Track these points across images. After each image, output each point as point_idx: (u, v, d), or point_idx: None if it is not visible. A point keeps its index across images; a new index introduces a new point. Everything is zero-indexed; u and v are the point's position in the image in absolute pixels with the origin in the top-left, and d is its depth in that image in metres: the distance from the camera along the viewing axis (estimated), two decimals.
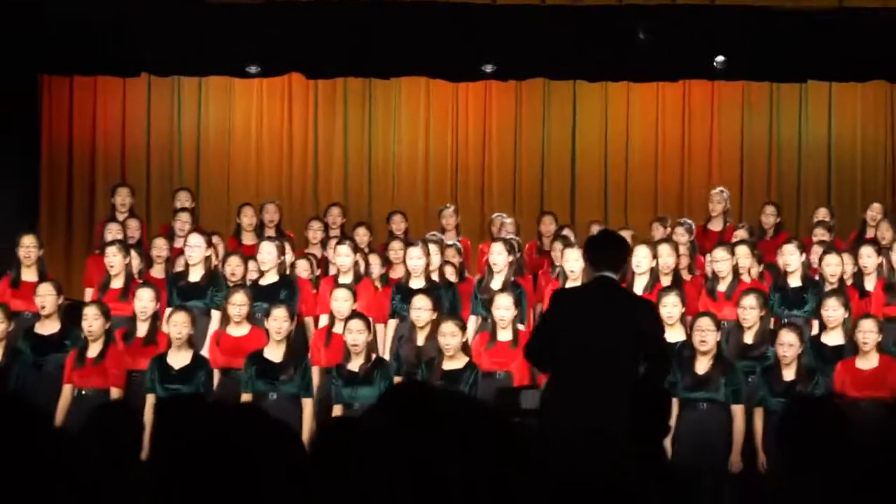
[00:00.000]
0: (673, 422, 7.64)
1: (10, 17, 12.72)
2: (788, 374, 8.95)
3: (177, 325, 9.21)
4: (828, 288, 10.14)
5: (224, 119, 15.01)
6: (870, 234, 11.96)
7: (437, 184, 14.98)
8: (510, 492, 2.08)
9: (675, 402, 8.66)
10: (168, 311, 9.66)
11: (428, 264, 10.37)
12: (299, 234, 12.73)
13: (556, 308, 7.43)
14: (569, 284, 9.87)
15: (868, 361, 9.06)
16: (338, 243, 10.89)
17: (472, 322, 10.06)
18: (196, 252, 10.46)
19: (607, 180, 14.97)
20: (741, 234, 11.82)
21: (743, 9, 12.75)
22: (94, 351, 9.27)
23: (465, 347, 9.17)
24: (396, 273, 11.01)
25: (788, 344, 8.96)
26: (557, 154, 14.98)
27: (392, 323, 10.27)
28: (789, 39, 12.87)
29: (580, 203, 14.86)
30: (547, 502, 2.05)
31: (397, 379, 9.17)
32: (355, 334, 9.14)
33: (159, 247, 11.15)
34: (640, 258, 10.09)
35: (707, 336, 8.94)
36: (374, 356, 9.26)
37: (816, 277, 10.64)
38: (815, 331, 9.84)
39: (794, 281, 10.40)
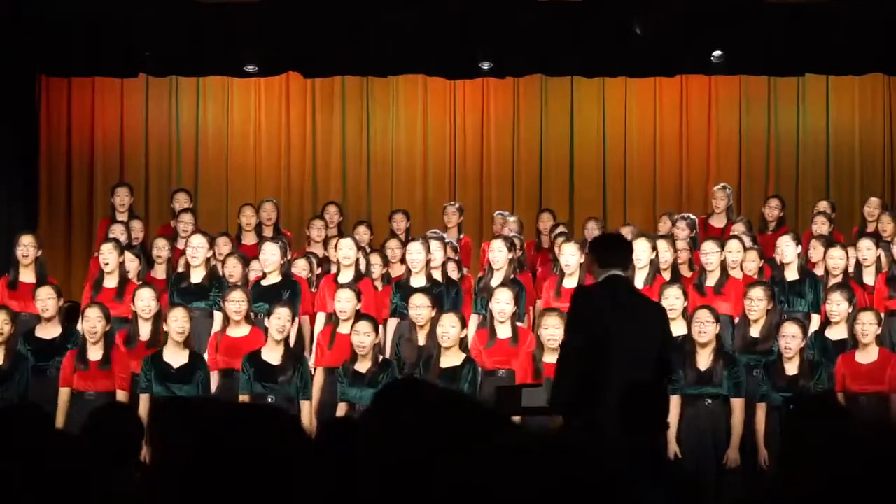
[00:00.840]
0: (673, 419, 7.64)
1: (9, 18, 12.71)
2: (791, 369, 8.91)
3: (178, 320, 9.14)
4: (832, 282, 10.11)
5: (222, 118, 15.00)
6: (870, 228, 11.95)
7: (436, 181, 14.97)
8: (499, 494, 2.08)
9: (678, 398, 8.70)
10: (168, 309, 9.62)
11: (429, 261, 10.36)
12: (297, 233, 12.72)
13: (590, 310, 7.21)
14: (566, 279, 9.90)
15: (868, 355, 9.00)
16: (341, 237, 10.86)
17: (474, 320, 10.02)
18: (198, 253, 10.45)
19: (606, 176, 14.96)
20: (739, 227, 11.77)
21: (740, 3, 12.74)
22: (96, 354, 9.15)
23: (462, 344, 9.13)
24: (395, 272, 10.99)
25: (791, 336, 8.89)
26: (555, 150, 14.97)
27: (392, 322, 10.23)
28: (786, 33, 12.87)
29: (579, 198, 14.85)
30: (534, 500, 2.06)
31: None
32: (362, 336, 9.06)
33: (161, 247, 11.14)
34: (640, 251, 10.09)
35: (706, 328, 8.93)
36: (380, 358, 9.22)
37: (816, 271, 10.63)
38: (815, 326, 9.79)
39: (791, 274, 10.37)
